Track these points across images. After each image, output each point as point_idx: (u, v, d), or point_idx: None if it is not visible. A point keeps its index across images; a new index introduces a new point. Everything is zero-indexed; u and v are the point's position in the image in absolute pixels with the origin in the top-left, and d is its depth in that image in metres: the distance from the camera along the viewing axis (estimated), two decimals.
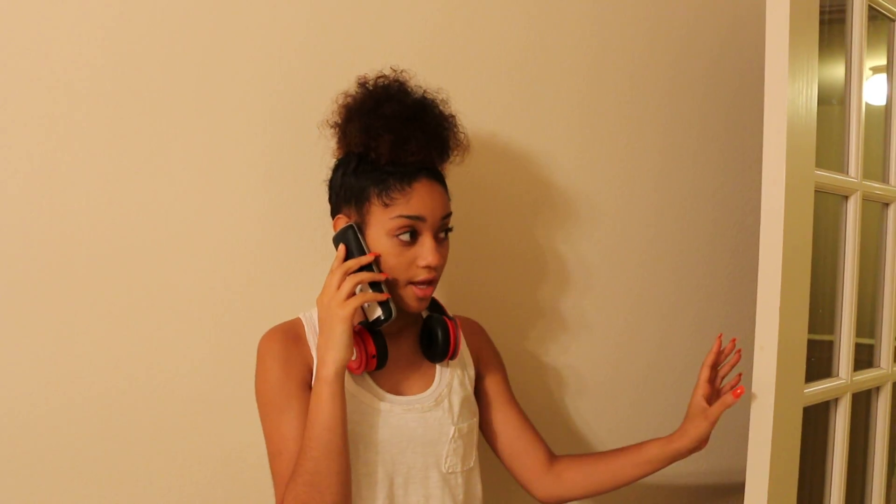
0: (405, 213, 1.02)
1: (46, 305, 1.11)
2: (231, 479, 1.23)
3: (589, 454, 1.24)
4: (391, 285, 1.04)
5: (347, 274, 1.00)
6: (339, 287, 0.99)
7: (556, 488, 1.20)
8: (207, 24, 1.19)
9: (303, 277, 1.25)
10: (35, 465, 1.12)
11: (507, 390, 1.23)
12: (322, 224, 1.25)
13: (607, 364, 1.53)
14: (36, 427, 1.12)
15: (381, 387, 1.07)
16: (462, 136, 1.11)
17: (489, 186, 1.38)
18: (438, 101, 1.09)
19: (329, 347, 0.97)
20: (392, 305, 1.03)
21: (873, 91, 1.39)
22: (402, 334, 1.13)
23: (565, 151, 1.47)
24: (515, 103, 1.41)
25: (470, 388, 1.16)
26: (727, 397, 1.08)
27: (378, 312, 1.02)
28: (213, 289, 1.21)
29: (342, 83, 1.13)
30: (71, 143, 1.12)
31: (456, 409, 1.10)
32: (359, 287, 1.01)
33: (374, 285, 1.02)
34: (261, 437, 1.20)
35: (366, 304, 1.03)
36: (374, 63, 1.16)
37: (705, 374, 1.15)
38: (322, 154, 1.20)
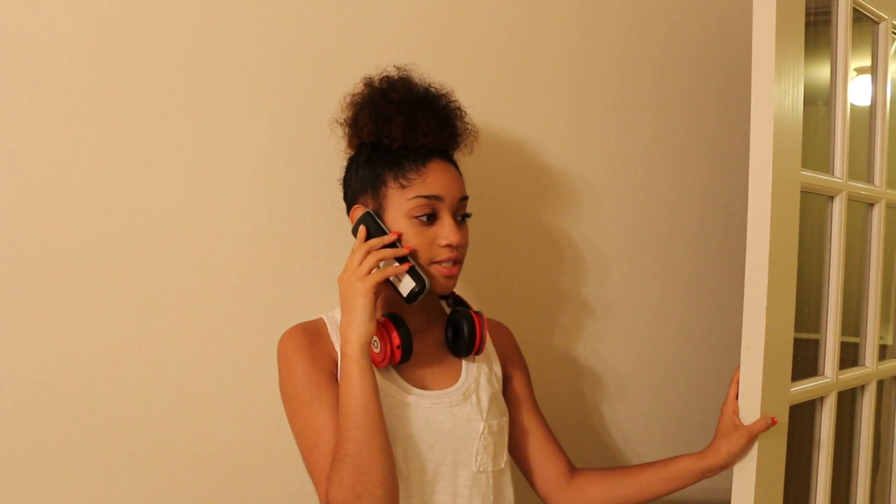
0: (423, 192, 1.02)
1: (42, 303, 1.11)
2: (220, 478, 1.22)
3: (612, 468, 1.22)
4: (416, 261, 1.03)
5: (370, 251, 0.99)
6: (360, 264, 0.99)
7: (578, 502, 1.18)
8: (202, 21, 1.18)
9: (298, 275, 1.26)
10: (27, 462, 1.11)
11: (531, 397, 1.21)
12: (321, 220, 1.26)
13: (590, 364, 1.54)
14: (30, 424, 1.11)
15: (408, 381, 1.06)
16: (470, 124, 1.12)
17: (484, 183, 1.38)
18: (445, 92, 1.10)
19: (351, 323, 0.97)
20: (424, 276, 1.01)
21: (858, 92, 1.40)
22: (427, 329, 1.12)
23: (551, 153, 1.47)
24: (503, 101, 1.41)
25: (498, 387, 1.14)
26: (766, 419, 1.09)
27: (412, 284, 1.01)
28: (207, 287, 1.21)
29: (338, 80, 1.14)
30: (70, 140, 1.12)
31: (485, 404, 1.09)
32: (382, 263, 1.00)
33: (399, 262, 1.01)
34: (250, 436, 1.21)
35: (398, 281, 1.02)
36: (368, 60, 1.16)
37: (734, 390, 1.14)
38: (324, 151, 1.21)
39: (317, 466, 0.98)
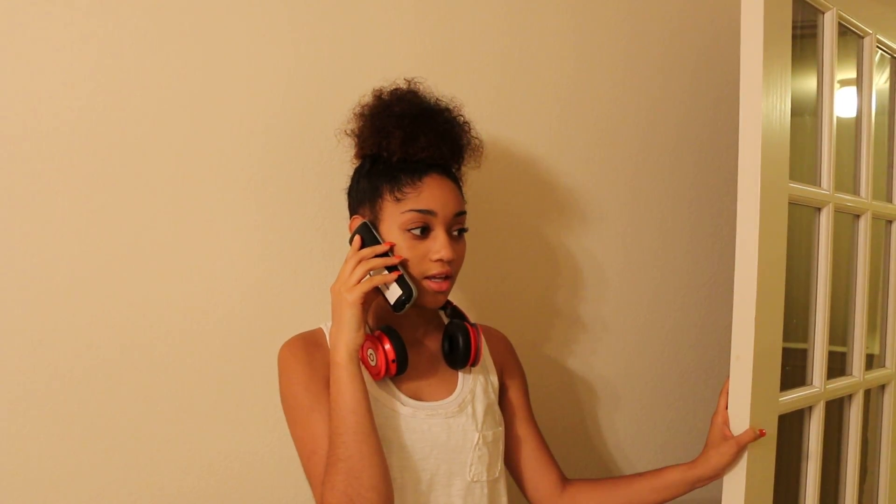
0: (416, 206, 1.03)
1: (36, 309, 1.12)
2: (214, 488, 1.22)
3: (603, 478, 1.23)
4: (406, 270, 1.04)
5: (361, 261, 1.01)
6: (350, 273, 1.00)
7: None
8: (205, 34, 1.19)
9: (296, 285, 1.26)
10: (16, 469, 1.11)
11: (527, 406, 1.22)
12: (320, 230, 1.27)
13: (582, 372, 1.55)
14: (22, 429, 1.11)
15: (404, 392, 1.07)
16: (476, 139, 1.13)
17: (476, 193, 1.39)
18: (451, 107, 1.11)
19: (340, 332, 0.99)
20: (412, 285, 1.02)
21: (843, 104, 1.42)
22: (424, 340, 1.14)
23: (542, 163, 1.48)
24: (501, 112, 1.42)
25: (494, 397, 1.15)
26: (754, 430, 1.11)
27: (398, 293, 1.02)
28: (205, 298, 1.21)
29: (337, 91, 1.17)
30: (69, 146, 1.12)
31: (480, 415, 1.09)
32: (372, 273, 1.01)
33: (390, 271, 1.02)
34: (244, 446, 1.21)
35: (387, 289, 1.03)
36: (367, 70, 1.17)
37: (724, 400, 1.15)
38: (322, 161, 1.23)
39: (314, 472, 1.00)
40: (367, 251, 1.02)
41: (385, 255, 1.03)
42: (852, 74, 1.45)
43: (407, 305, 1.02)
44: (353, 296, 0.98)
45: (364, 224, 1.05)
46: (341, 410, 0.96)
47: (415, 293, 1.02)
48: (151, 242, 1.17)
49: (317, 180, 1.26)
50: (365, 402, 0.97)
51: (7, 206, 1.10)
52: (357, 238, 1.05)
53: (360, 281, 1.00)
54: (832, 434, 1.39)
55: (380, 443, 0.97)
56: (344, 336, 0.98)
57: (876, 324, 1.55)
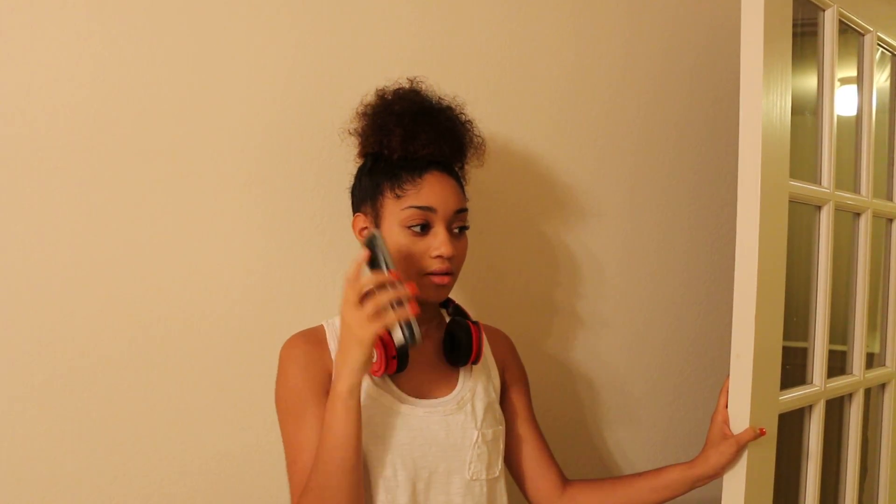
0: (416, 203, 1.03)
1: (37, 307, 1.12)
2: (211, 488, 1.22)
3: (603, 479, 1.23)
4: (409, 275, 1.03)
5: (363, 291, 0.93)
6: (360, 302, 0.93)
7: None
8: (205, 32, 1.19)
9: (295, 282, 1.26)
10: (10, 471, 1.11)
11: (528, 407, 1.22)
12: (319, 227, 1.27)
13: (581, 371, 1.55)
14: (17, 429, 1.11)
15: (403, 390, 1.07)
16: (478, 138, 1.13)
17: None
18: (453, 105, 1.12)
19: (345, 364, 0.95)
20: (416, 328, 0.95)
21: (843, 102, 1.42)
22: (426, 338, 1.12)
23: (541, 162, 1.48)
24: (500, 110, 1.42)
25: (494, 396, 1.15)
26: (754, 429, 1.11)
27: (400, 336, 0.96)
28: (205, 295, 1.21)
29: (337, 90, 1.17)
30: (70, 147, 1.12)
31: (479, 414, 1.09)
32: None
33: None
34: (243, 447, 1.21)
35: (392, 327, 0.96)
36: (368, 69, 1.17)
37: (724, 399, 1.15)
38: (322, 158, 1.23)
39: (293, 480, 1.01)
40: (370, 281, 0.94)
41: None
42: (853, 72, 1.45)
43: (408, 349, 0.98)
44: (367, 335, 0.92)
45: (373, 237, 0.98)
46: (329, 440, 0.95)
47: (417, 338, 0.94)
48: (151, 241, 1.17)
49: (316, 179, 1.26)
50: (355, 440, 0.95)
51: (6, 206, 1.09)
52: (366, 253, 0.97)
53: (371, 316, 0.92)
54: (832, 433, 1.39)
55: (361, 477, 0.96)
56: (347, 370, 0.94)
57: (876, 322, 1.54)
